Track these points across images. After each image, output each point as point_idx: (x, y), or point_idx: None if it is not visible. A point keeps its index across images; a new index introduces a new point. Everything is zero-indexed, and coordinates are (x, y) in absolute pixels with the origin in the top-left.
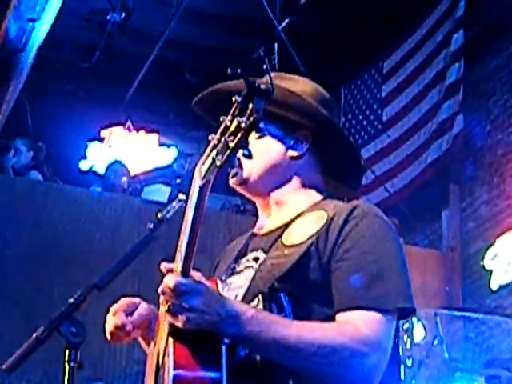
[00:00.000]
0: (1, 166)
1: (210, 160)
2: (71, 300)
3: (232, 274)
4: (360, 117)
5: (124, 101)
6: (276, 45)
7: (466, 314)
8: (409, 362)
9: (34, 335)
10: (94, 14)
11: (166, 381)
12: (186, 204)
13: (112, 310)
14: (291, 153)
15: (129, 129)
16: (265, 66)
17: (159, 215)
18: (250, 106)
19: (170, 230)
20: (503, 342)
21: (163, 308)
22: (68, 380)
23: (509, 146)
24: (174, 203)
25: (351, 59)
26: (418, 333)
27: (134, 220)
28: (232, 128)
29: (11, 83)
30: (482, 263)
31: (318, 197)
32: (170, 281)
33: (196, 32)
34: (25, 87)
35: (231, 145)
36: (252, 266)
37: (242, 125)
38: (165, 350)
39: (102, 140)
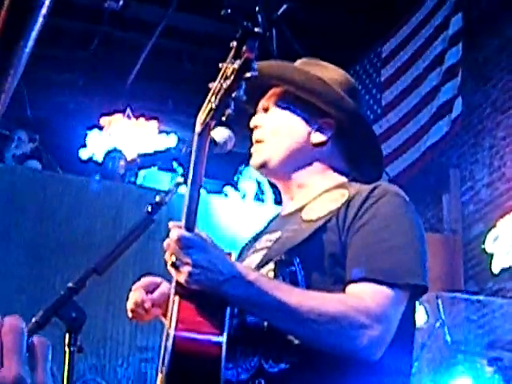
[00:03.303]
0: (2, 155)
1: (208, 106)
2: (70, 284)
3: (253, 252)
4: None
5: (123, 89)
6: (274, 31)
7: (468, 296)
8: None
9: (34, 320)
10: (91, 3)
11: (170, 340)
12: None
13: (133, 287)
14: (314, 138)
15: (128, 116)
16: (257, 8)
17: (158, 198)
18: (244, 47)
19: (171, 218)
20: (505, 324)
21: (168, 263)
22: (69, 364)
23: (508, 128)
24: (171, 186)
25: (350, 44)
26: (420, 316)
27: (134, 208)
28: (228, 72)
29: (9, 72)
30: (483, 246)
31: (343, 179)
32: (174, 234)
33: (194, 19)
34: (23, 76)
35: (225, 86)
36: (269, 246)
37: (236, 66)
38: (172, 310)
39: (101, 128)
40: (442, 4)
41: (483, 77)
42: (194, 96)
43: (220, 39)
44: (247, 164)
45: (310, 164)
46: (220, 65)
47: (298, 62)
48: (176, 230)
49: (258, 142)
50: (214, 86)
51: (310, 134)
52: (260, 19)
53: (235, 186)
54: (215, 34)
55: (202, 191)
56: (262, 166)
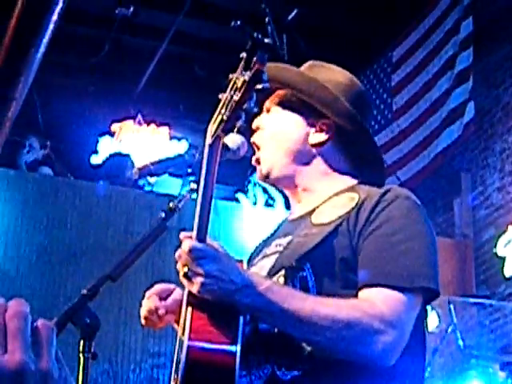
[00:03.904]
0: (15, 162)
1: (219, 117)
2: (84, 291)
3: (263, 257)
4: None
5: (134, 95)
6: (285, 36)
7: (480, 300)
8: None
9: None
10: (102, 9)
11: (184, 350)
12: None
13: (147, 294)
14: (312, 138)
15: (139, 122)
16: (267, 19)
17: (171, 205)
18: (254, 58)
19: (183, 224)
20: None
21: (181, 274)
22: (83, 370)
23: None
24: (185, 192)
25: (360, 49)
26: (432, 321)
27: (145, 214)
28: (239, 84)
29: (21, 79)
30: (494, 250)
31: (352, 181)
32: (185, 245)
33: (205, 25)
34: (35, 83)
35: (236, 98)
36: (280, 251)
37: (246, 77)
38: (184, 320)
39: (112, 134)
40: (452, 8)
41: (494, 81)
42: (204, 102)
43: (230, 45)
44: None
45: (309, 164)
46: (230, 76)
47: (305, 65)
48: (188, 241)
49: (257, 147)
50: (223, 97)
51: (308, 134)
52: (270, 30)
53: (246, 192)
54: (226, 39)
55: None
56: (266, 177)
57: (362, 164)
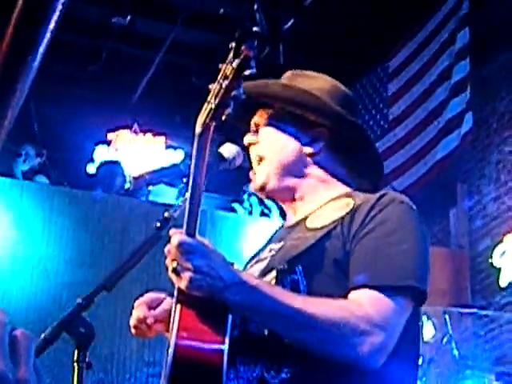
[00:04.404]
0: (11, 170)
1: (208, 107)
2: (79, 300)
3: (256, 262)
4: (366, 116)
5: (130, 104)
6: (281, 46)
7: (475, 311)
8: (419, 361)
9: (42, 336)
10: (99, 18)
11: (171, 348)
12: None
13: (136, 303)
14: (307, 150)
15: (135, 132)
16: (255, 7)
17: (166, 214)
18: (243, 46)
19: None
20: None
21: (169, 269)
22: (77, 380)
23: None
24: (180, 202)
25: (356, 59)
26: (428, 331)
27: (141, 222)
28: (227, 72)
29: (17, 87)
30: (490, 261)
31: (347, 189)
32: (175, 239)
33: (201, 35)
34: (31, 91)
35: (224, 85)
36: (273, 254)
37: (234, 64)
38: (173, 318)
39: (108, 143)
40: (449, 19)
41: (490, 92)
42: (201, 111)
43: (227, 55)
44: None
45: (307, 176)
46: (220, 65)
47: (286, 75)
48: (177, 236)
49: (258, 160)
50: (213, 86)
51: (301, 147)
52: (258, 18)
53: (242, 202)
54: (222, 49)
55: (210, 206)
56: (261, 189)
57: (359, 166)
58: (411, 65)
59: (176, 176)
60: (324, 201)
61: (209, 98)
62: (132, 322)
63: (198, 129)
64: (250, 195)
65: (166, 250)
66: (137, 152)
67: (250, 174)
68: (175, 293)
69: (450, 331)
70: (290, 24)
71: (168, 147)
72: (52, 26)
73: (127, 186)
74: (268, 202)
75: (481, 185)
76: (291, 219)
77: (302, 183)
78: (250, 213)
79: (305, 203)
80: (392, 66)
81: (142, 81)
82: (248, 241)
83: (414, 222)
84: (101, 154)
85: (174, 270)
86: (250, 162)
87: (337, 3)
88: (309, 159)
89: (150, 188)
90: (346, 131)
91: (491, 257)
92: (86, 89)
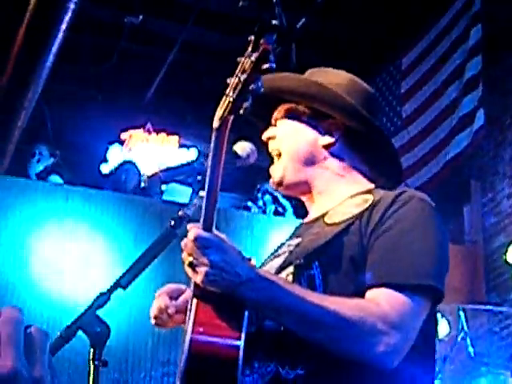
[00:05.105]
0: (24, 171)
1: (226, 100)
2: (94, 299)
3: (274, 258)
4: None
5: (143, 103)
6: (293, 45)
7: (490, 308)
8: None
9: (58, 333)
10: (111, 18)
11: (187, 343)
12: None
13: (157, 293)
14: (322, 141)
15: (148, 131)
16: (275, 0)
17: (180, 212)
18: (261, 40)
19: None
20: None
21: (186, 264)
22: (93, 379)
23: None
24: (194, 200)
25: (369, 57)
26: (443, 328)
27: (155, 221)
28: (246, 65)
29: (30, 87)
30: (504, 257)
31: (369, 185)
32: (191, 234)
33: (213, 34)
34: (44, 91)
35: (242, 79)
36: (290, 250)
37: (252, 58)
38: (190, 312)
39: (122, 143)
40: (461, 16)
41: (503, 88)
42: (213, 110)
43: (240, 54)
44: (267, 179)
45: (322, 167)
46: (238, 59)
47: (307, 72)
48: (194, 230)
49: (277, 154)
50: (231, 81)
51: (317, 137)
52: (277, 12)
53: (255, 201)
54: (234, 49)
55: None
56: (279, 185)
57: (377, 162)
58: (424, 62)
59: (189, 174)
60: (344, 196)
61: (227, 92)
62: (153, 311)
63: (216, 123)
64: (263, 194)
65: (182, 243)
66: (150, 151)
67: (270, 170)
68: (191, 287)
69: (465, 328)
70: (301, 23)
71: (181, 146)
72: (64, 26)
73: (142, 185)
74: (282, 201)
75: (494, 181)
76: (311, 215)
77: (318, 175)
78: (264, 212)
79: (323, 197)
80: (405, 64)
81: (155, 80)
82: (262, 240)
83: (434, 220)
84: (114, 153)
85: (190, 265)
86: (271, 158)
87: (349, 2)
88: (325, 151)
89: (164, 187)
90: (359, 126)
91: (505, 253)
92: (99, 88)
